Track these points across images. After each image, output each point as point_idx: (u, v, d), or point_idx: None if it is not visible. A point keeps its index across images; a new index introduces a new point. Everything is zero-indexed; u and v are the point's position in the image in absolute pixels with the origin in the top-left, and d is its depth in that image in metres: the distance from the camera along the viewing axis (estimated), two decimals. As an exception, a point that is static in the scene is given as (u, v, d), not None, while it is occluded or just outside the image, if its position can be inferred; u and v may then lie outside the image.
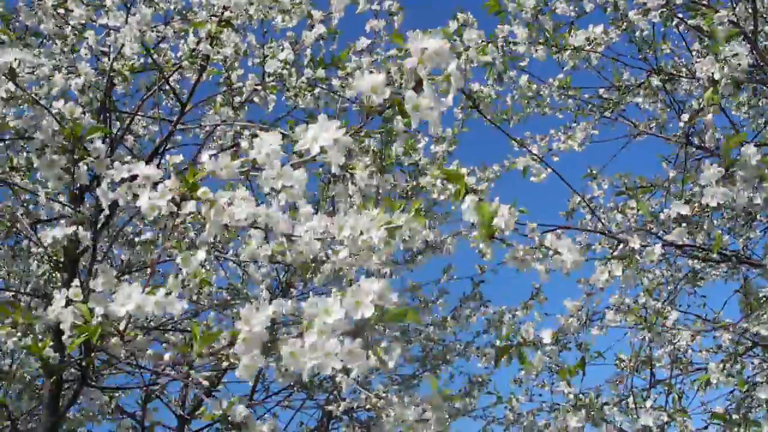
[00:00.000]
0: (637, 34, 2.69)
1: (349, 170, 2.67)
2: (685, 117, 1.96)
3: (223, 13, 1.98)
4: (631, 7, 2.67)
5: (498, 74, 2.89)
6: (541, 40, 2.32)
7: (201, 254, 1.34)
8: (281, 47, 2.48)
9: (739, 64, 1.57)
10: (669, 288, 2.89)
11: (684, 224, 1.52)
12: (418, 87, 0.96)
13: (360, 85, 1.00)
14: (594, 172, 3.24)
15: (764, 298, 1.85)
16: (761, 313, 1.88)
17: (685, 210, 1.47)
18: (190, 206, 1.16)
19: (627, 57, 2.94)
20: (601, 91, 3.06)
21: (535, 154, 2.38)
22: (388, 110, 1.12)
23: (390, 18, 2.57)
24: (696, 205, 1.43)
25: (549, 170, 2.70)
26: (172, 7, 2.48)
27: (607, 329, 2.70)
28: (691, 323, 2.92)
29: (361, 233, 1.14)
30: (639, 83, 2.81)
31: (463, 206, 1.65)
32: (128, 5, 2.09)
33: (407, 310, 0.93)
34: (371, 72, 1.03)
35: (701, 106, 1.73)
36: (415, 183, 2.31)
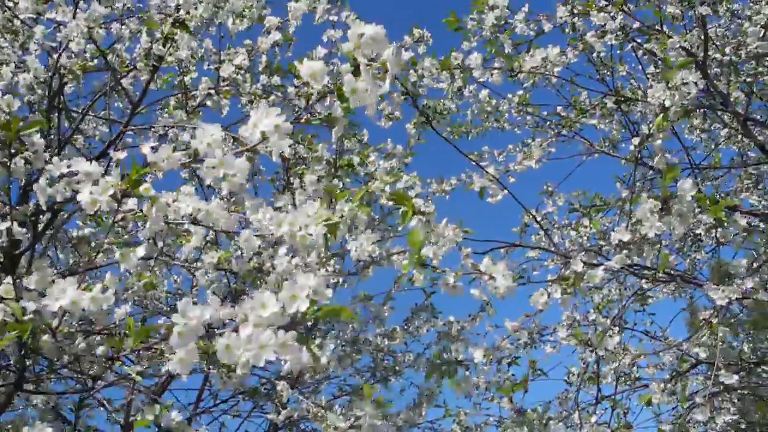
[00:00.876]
0: (595, 55, 2.72)
1: (299, 176, 2.65)
2: (636, 141, 1.99)
3: (177, 14, 1.95)
4: (589, 29, 2.72)
5: (458, 88, 2.92)
6: (496, 64, 2.33)
7: (140, 251, 1.30)
8: (237, 52, 2.45)
9: (689, 93, 1.60)
10: (619, 306, 2.94)
11: (625, 251, 1.53)
12: (356, 72, 0.97)
13: (300, 71, 1.01)
14: (550, 188, 3.27)
15: (703, 321, 1.88)
16: (700, 335, 1.91)
17: (626, 237, 1.48)
18: (131, 203, 1.14)
19: (585, 77, 3.00)
20: (559, 109, 3.10)
21: (492, 175, 2.39)
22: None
23: (347, 29, 2.56)
24: (637, 232, 1.45)
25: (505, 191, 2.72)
26: (127, 6, 2.42)
27: (560, 346, 2.72)
28: (640, 340, 2.97)
29: (300, 229, 1.15)
30: (594, 104, 2.85)
31: (410, 226, 1.65)
32: (76, 0, 2.03)
33: (341, 308, 0.95)
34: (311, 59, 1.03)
35: (651, 131, 1.75)
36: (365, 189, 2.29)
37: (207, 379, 3.18)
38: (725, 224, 1.57)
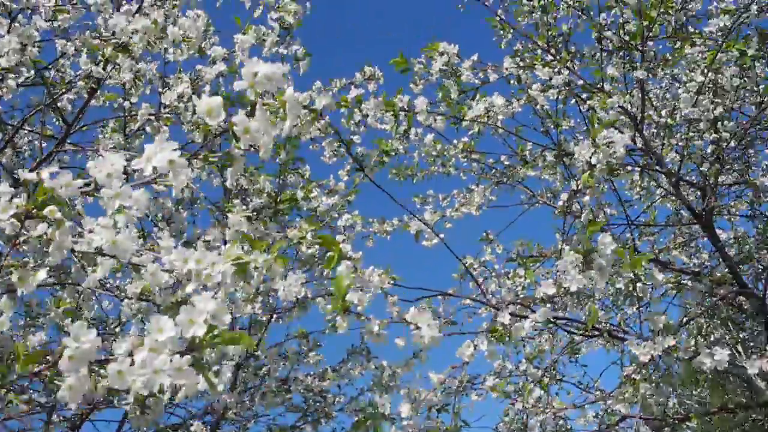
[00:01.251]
0: (539, 107, 2.78)
1: (225, 211, 2.59)
2: (565, 196, 2.02)
3: (115, 39, 1.91)
4: (535, 81, 2.78)
5: (404, 130, 2.93)
6: (442, 109, 2.36)
7: (41, 275, 1.24)
8: (180, 80, 2.42)
9: (615, 152, 1.63)
10: (551, 356, 2.95)
11: (549, 304, 1.53)
12: (251, 111, 0.96)
13: (197, 108, 0.99)
14: (490, 236, 3.29)
15: (625, 377, 1.89)
16: (623, 391, 1.92)
17: (551, 290, 1.48)
18: (41, 228, 1.08)
19: (530, 129, 3.05)
20: (503, 158, 3.14)
21: (426, 221, 2.40)
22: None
23: (296, 63, 2.56)
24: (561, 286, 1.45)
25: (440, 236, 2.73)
26: (71, 24, 2.37)
27: (487, 395, 2.70)
28: (568, 393, 2.98)
29: (206, 267, 1.12)
30: (534, 157, 2.90)
31: (337, 271, 1.62)
32: (11, 14, 1.97)
33: (241, 335, 0.92)
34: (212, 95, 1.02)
35: (579, 186, 1.78)
36: (282, 233, 2.26)
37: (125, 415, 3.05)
38: (643, 279, 1.59)
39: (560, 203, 1.85)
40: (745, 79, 2.61)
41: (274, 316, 2.97)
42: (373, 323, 1.30)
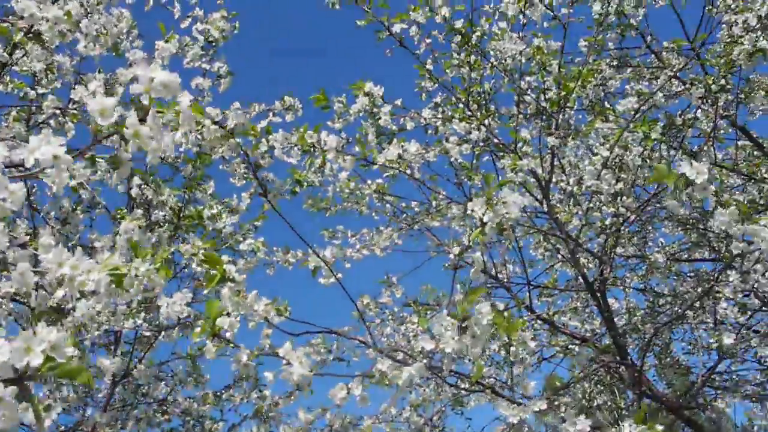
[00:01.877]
0: (453, 160, 2.83)
1: (118, 219, 2.49)
2: (456, 250, 2.06)
3: (24, 24, 1.83)
4: (453, 133, 2.84)
5: (318, 165, 2.93)
6: (356, 149, 2.37)
7: None
8: (94, 78, 2.34)
9: (508, 212, 1.66)
10: (435, 406, 2.95)
11: (426, 360, 1.54)
12: (144, 116, 0.94)
13: (90, 106, 0.96)
14: (391, 279, 3.30)
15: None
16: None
17: (429, 345, 1.48)
18: None
19: (443, 179, 3.10)
20: (414, 204, 3.17)
21: (326, 260, 2.38)
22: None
23: (217, 80, 2.52)
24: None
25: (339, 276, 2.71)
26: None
27: (368, 438, 2.67)
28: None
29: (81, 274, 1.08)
30: (440, 207, 2.94)
31: (222, 293, 1.58)
32: None
33: (79, 368, 0.87)
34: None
35: (470, 243, 1.80)
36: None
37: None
38: (514, 343, 1.61)
39: (451, 257, 1.88)
40: (647, 160, 2.75)
41: (163, 333, 2.87)
42: (242, 352, 1.26)
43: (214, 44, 2.51)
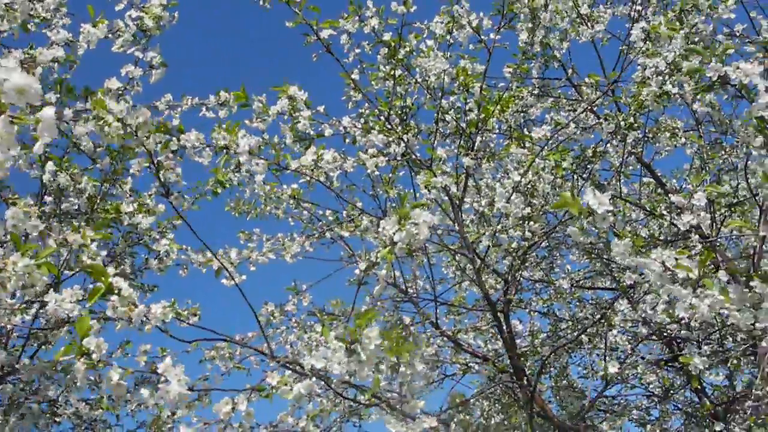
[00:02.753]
0: (369, 171, 2.83)
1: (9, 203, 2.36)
2: (362, 266, 2.04)
3: None
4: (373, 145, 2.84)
5: (236, 164, 2.87)
6: (263, 158, 2.33)
7: None
8: (10, 53, 2.20)
9: (418, 233, 1.67)
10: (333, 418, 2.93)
11: (315, 378, 1.52)
12: None
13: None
14: (300, 286, 3.27)
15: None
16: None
17: (319, 363, 1.46)
18: None
19: (359, 190, 3.10)
20: (328, 212, 3.15)
21: (231, 262, 2.34)
22: None
23: (149, 70, 2.43)
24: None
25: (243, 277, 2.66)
26: None
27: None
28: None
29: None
30: (353, 218, 2.94)
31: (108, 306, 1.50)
32: None
33: None
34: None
35: (377, 259, 1.80)
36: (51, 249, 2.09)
37: None
38: (406, 364, 1.62)
39: (357, 272, 1.87)
40: (557, 188, 2.83)
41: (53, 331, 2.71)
42: (113, 371, 1.20)
43: (147, 33, 2.42)
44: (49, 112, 0.86)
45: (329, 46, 2.82)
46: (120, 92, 2.54)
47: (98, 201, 2.75)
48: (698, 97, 2.56)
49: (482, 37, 2.93)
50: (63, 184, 2.69)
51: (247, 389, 1.68)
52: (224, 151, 2.24)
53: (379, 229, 1.79)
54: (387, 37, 2.86)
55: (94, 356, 1.18)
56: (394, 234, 1.77)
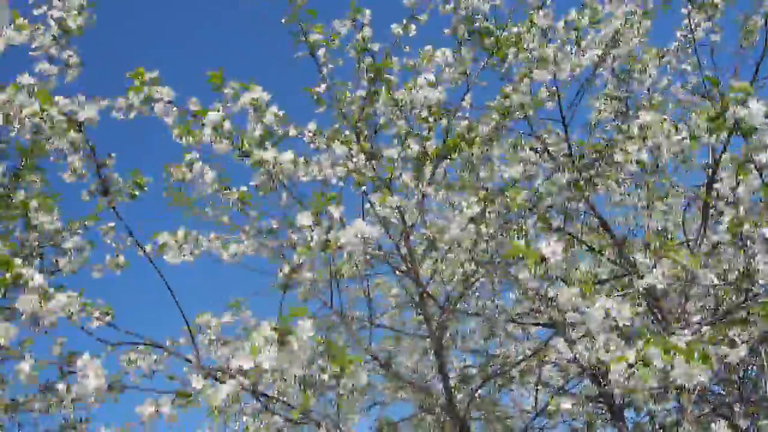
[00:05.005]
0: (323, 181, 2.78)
1: None
2: (286, 270, 2.00)
3: None
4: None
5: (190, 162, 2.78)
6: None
7: None
8: None
9: (347, 242, 1.68)
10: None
11: (243, 379, 1.46)
12: None
13: None
14: (239, 302, 3.17)
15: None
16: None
17: (248, 363, 1.40)
18: None
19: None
20: (273, 222, 3.07)
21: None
22: None
23: (64, 68, 2.36)
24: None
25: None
26: None
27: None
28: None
29: None
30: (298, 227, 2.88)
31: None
32: None
33: None
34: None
35: (300, 261, 1.79)
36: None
37: None
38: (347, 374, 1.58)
39: (280, 275, 1.84)
40: (507, 223, 2.86)
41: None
42: (26, 362, 1.13)
43: (68, 32, 2.35)
44: None
45: (314, 50, 2.80)
46: (31, 90, 2.44)
47: (8, 195, 2.62)
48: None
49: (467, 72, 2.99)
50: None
51: (170, 392, 1.60)
52: (193, 118, 2.20)
53: (298, 224, 1.78)
54: (375, 47, 2.85)
55: (2, 341, 1.11)
56: (311, 228, 1.76)
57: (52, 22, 2.35)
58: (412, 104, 2.68)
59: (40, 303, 1.36)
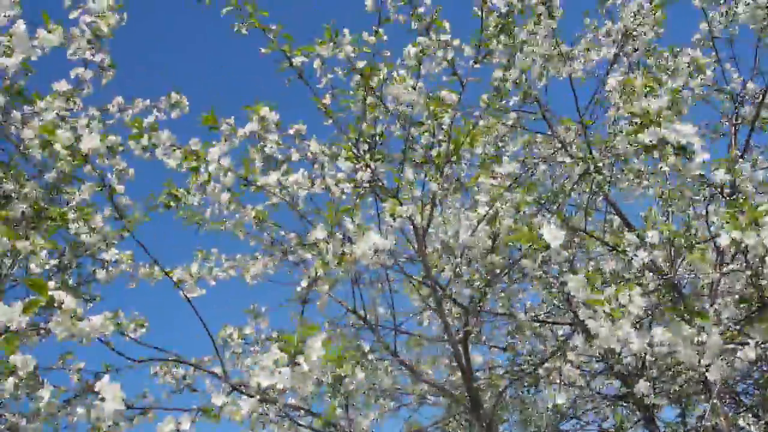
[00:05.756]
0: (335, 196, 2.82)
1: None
2: (305, 282, 2.03)
3: None
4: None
5: (203, 181, 2.84)
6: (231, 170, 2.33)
7: None
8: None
9: (356, 248, 1.71)
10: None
11: (259, 397, 1.50)
12: None
13: None
14: (258, 309, 3.23)
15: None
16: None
17: (266, 381, 1.44)
18: None
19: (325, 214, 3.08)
20: (292, 235, 3.12)
21: (188, 277, 2.31)
22: None
23: (99, 71, 2.43)
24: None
25: (203, 291, 2.63)
26: None
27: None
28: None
29: None
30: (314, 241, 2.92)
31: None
32: None
33: None
34: None
35: (317, 274, 1.83)
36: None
37: None
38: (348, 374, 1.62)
39: (298, 289, 1.87)
40: (520, 222, 2.86)
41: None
42: (45, 389, 1.18)
43: (100, 36, 2.41)
44: (21, 26, 0.85)
45: (302, 72, 2.83)
46: (69, 95, 2.52)
47: (45, 209, 2.70)
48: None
49: (456, 70, 2.98)
50: (8, 190, 2.64)
51: (192, 409, 1.65)
52: (194, 157, 2.24)
53: (309, 238, 1.81)
54: (360, 64, 2.88)
55: (20, 373, 1.16)
56: (326, 242, 1.80)
57: (85, 27, 2.41)
58: (398, 103, 2.70)
59: (72, 324, 1.41)
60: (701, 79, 3.42)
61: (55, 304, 1.39)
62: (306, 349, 1.35)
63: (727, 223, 1.65)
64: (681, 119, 1.88)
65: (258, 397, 1.48)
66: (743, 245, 1.60)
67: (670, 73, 3.43)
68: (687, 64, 3.41)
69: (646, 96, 2.21)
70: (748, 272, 2.80)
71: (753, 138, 3.53)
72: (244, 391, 2.11)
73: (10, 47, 2.27)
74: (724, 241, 1.61)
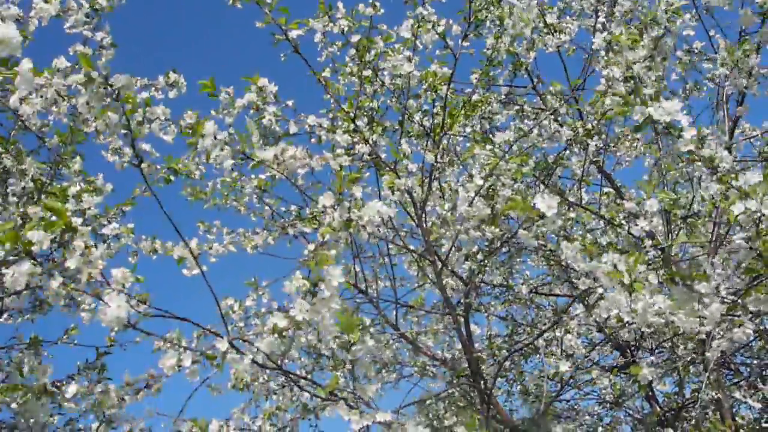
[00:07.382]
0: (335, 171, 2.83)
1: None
2: (311, 247, 2.05)
3: None
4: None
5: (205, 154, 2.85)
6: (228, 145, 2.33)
7: None
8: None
9: (360, 214, 1.74)
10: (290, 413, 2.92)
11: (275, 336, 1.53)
12: None
13: None
14: (259, 282, 3.25)
15: None
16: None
17: (282, 322, 1.47)
18: None
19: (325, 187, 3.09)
20: (293, 208, 3.14)
21: (191, 251, 2.30)
22: None
23: (99, 50, 2.42)
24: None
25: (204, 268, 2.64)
26: None
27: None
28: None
29: None
30: (314, 214, 2.95)
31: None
32: None
33: None
34: None
35: (323, 239, 1.83)
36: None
37: None
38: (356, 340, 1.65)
39: (305, 252, 1.89)
40: (516, 194, 2.87)
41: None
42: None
43: (99, 11, 2.39)
44: (26, 65, 0.87)
45: (297, 46, 2.82)
46: (68, 72, 2.50)
47: (48, 183, 2.70)
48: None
49: (448, 42, 2.97)
50: (8, 166, 2.64)
51: (196, 352, 1.68)
52: (189, 132, 2.23)
53: (320, 207, 1.83)
54: (355, 38, 2.87)
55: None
56: (333, 208, 1.81)
57: (84, 2, 2.39)
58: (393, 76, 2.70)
59: (89, 252, 1.43)
60: (680, 23, 3.43)
61: (72, 229, 1.41)
62: (325, 275, 1.39)
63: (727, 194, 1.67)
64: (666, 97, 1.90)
65: (266, 343, 1.49)
66: (758, 215, 1.61)
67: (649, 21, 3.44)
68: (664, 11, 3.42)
69: (631, 50, 2.22)
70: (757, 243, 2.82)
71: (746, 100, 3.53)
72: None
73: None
74: (737, 209, 1.62)
